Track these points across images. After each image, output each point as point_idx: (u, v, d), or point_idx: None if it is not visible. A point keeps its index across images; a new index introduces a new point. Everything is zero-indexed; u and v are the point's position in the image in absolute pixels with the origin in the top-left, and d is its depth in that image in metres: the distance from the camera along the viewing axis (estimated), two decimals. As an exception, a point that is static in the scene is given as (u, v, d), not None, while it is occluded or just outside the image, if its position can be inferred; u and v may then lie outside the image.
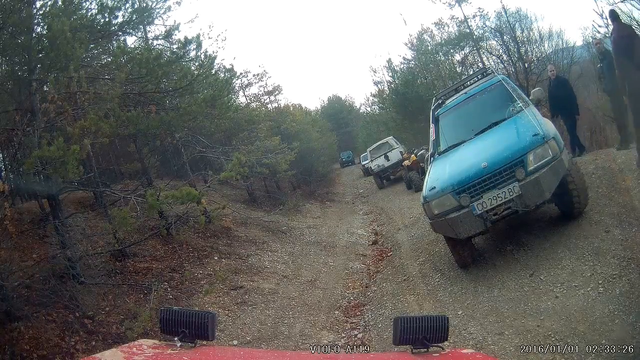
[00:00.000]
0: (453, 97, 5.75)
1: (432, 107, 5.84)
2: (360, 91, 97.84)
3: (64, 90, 4.53)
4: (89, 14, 5.44)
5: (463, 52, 17.76)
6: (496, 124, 4.68)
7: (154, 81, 5.47)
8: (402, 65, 21.00)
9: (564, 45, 14.87)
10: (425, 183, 4.53)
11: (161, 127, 6.32)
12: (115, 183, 9.05)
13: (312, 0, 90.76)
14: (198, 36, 5.95)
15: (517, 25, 14.81)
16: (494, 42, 15.72)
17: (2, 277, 3.90)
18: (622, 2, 8.07)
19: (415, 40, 19.85)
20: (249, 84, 17.19)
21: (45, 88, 4.95)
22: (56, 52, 4.38)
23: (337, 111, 39.18)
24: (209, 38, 13.06)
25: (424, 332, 1.12)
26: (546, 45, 15.02)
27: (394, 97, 20.06)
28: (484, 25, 15.92)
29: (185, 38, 5.90)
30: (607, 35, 6.23)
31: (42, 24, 4.92)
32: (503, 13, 14.83)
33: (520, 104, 4.69)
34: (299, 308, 5.32)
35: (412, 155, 12.10)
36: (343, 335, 4.47)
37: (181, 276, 5.95)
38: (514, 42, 14.67)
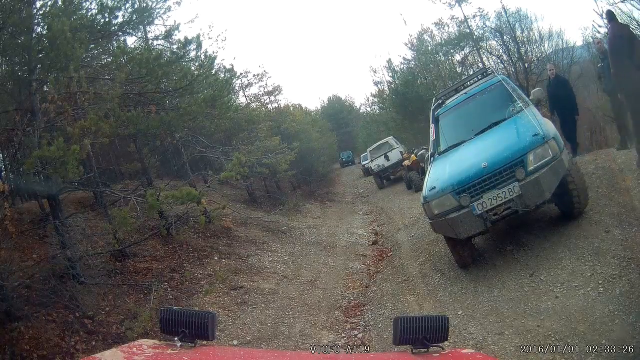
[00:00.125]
0: (453, 97, 5.75)
1: (432, 107, 5.84)
2: (360, 91, 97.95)
3: (64, 90, 4.53)
4: (89, 14, 5.45)
5: (463, 52, 17.79)
6: (496, 124, 4.68)
7: (154, 81, 5.47)
8: (402, 65, 21.05)
9: (564, 45, 14.89)
10: (425, 183, 4.53)
11: (161, 127, 6.32)
12: (115, 183, 9.03)
13: (312, 0, 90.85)
14: (198, 36, 5.96)
15: (517, 25, 14.85)
16: (494, 42, 15.76)
17: (2, 277, 3.90)
18: (622, 2, 8.08)
19: (415, 41, 19.89)
20: (249, 84, 17.22)
21: (45, 88, 4.95)
22: (56, 52, 4.38)
23: (337, 111, 39.16)
24: (209, 38, 13.08)
25: (424, 332, 1.12)
26: (546, 45, 15.05)
27: (394, 97, 20.06)
28: (484, 25, 15.96)
29: (185, 38, 5.91)
30: (607, 35, 6.23)
31: (42, 24, 4.92)
32: (503, 13, 14.87)
33: (520, 104, 4.69)
34: (299, 308, 5.32)
35: (412, 155, 12.09)
36: (343, 335, 4.47)
37: (181, 276, 5.95)
38: (514, 42, 14.69)
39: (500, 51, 15.28)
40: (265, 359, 1.39)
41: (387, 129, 21.31)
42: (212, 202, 8.40)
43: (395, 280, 5.50)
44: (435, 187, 4.21)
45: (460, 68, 17.84)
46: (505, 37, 14.84)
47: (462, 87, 6.05)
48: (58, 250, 4.89)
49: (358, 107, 40.42)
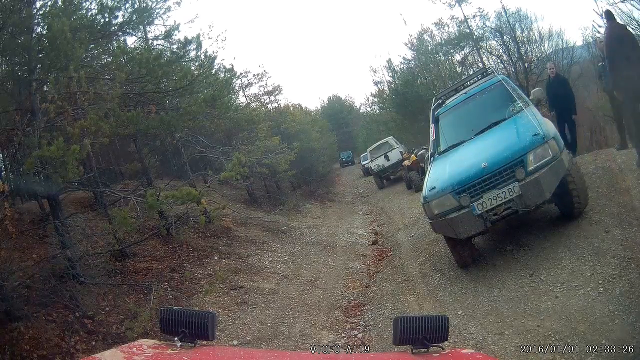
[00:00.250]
0: (453, 97, 5.75)
1: (432, 107, 5.84)
2: (360, 91, 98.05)
3: (64, 90, 4.53)
4: (89, 14, 5.45)
5: (463, 52, 17.78)
6: (496, 124, 4.68)
7: (154, 81, 5.47)
8: (402, 65, 21.04)
9: (564, 45, 14.89)
10: (425, 183, 4.53)
11: (161, 127, 6.33)
12: (115, 183, 9.04)
13: (312, 0, 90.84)
14: (198, 36, 5.97)
15: (517, 25, 14.84)
16: (494, 42, 15.76)
17: (2, 277, 3.90)
18: (622, 2, 8.08)
19: (415, 40, 19.87)
20: (249, 84, 17.18)
21: (45, 88, 4.95)
22: (56, 52, 4.38)
23: (337, 111, 39.15)
24: (209, 38, 13.10)
25: (424, 332, 1.12)
26: (546, 45, 15.05)
27: (394, 97, 20.06)
28: (484, 25, 15.96)
29: (185, 38, 5.93)
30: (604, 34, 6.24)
31: (42, 24, 4.92)
32: (503, 13, 14.87)
33: (520, 104, 4.69)
34: (299, 308, 5.32)
35: (412, 155, 12.10)
36: (343, 335, 4.47)
37: (181, 276, 5.95)
38: (514, 42, 14.69)
39: (500, 51, 15.30)
40: (265, 359, 1.39)
41: (387, 129, 21.32)
42: (212, 202, 8.39)
43: (395, 280, 5.50)
44: (435, 187, 4.21)
45: (460, 68, 17.84)
46: (505, 37, 14.86)
47: (462, 87, 6.04)
48: (58, 250, 4.88)
49: (358, 107, 40.42)
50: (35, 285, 4.48)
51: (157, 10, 7.17)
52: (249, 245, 7.88)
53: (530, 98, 4.98)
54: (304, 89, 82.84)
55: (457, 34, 17.52)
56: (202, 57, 6.81)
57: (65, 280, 4.74)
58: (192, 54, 6.42)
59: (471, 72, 14.03)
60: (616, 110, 6.21)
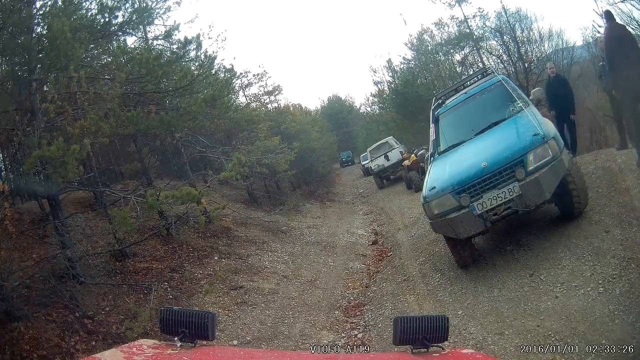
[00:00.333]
0: (453, 97, 5.75)
1: (432, 107, 5.84)
2: (360, 91, 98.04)
3: (64, 90, 4.53)
4: (89, 14, 5.45)
5: (463, 52, 17.79)
6: (496, 123, 4.68)
7: (154, 81, 5.47)
8: (402, 65, 21.05)
9: (564, 45, 14.90)
10: (425, 183, 4.53)
11: (161, 127, 6.33)
12: (115, 183, 9.03)
13: (312, 0, 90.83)
14: (198, 36, 5.97)
15: (517, 25, 14.86)
16: (494, 42, 15.77)
17: (2, 277, 3.90)
18: (622, 2, 8.08)
19: (415, 41, 19.87)
20: (249, 84, 17.17)
21: (45, 88, 4.95)
22: (56, 52, 4.38)
23: (337, 111, 39.15)
24: (209, 38, 13.09)
25: (424, 332, 1.12)
26: (546, 45, 15.06)
27: (394, 97, 20.06)
28: (484, 25, 15.97)
29: (185, 38, 5.93)
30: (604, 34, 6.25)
31: (42, 24, 4.92)
32: (503, 13, 14.88)
33: (520, 104, 4.69)
34: (299, 308, 5.32)
35: (412, 155, 12.10)
36: (343, 335, 4.47)
37: (181, 276, 5.95)
38: (514, 42, 14.69)
39: (500, 51, 15.31)
40: (265, 359, 1.39)
41: (387, 129, 21.32)
42: (212, 202, 8.39)
43: (395, 280, 5.51)
44: (435, 187, 4.21)
45: (460, 68, 17.85)
46: (505, 37, 14.87)
47: (462, 87, 6.04)
48: (58, 250, 4.88)
49: (358, 107, 40.45)
50: (35, 285, 4.48)
51: (157, 10, 7.18)
52: (249, 245, 7.88)
53: (530, 98, 4.97)
54: (304, 89, 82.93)
55: (457, 34, 17.54)
56: (202, 57, 6.82)
57: (65, 280, 4.74)
58: (192, 54, 6.43)
59: (471, 72, 14.04)
60: (616, 110, 6.21)
